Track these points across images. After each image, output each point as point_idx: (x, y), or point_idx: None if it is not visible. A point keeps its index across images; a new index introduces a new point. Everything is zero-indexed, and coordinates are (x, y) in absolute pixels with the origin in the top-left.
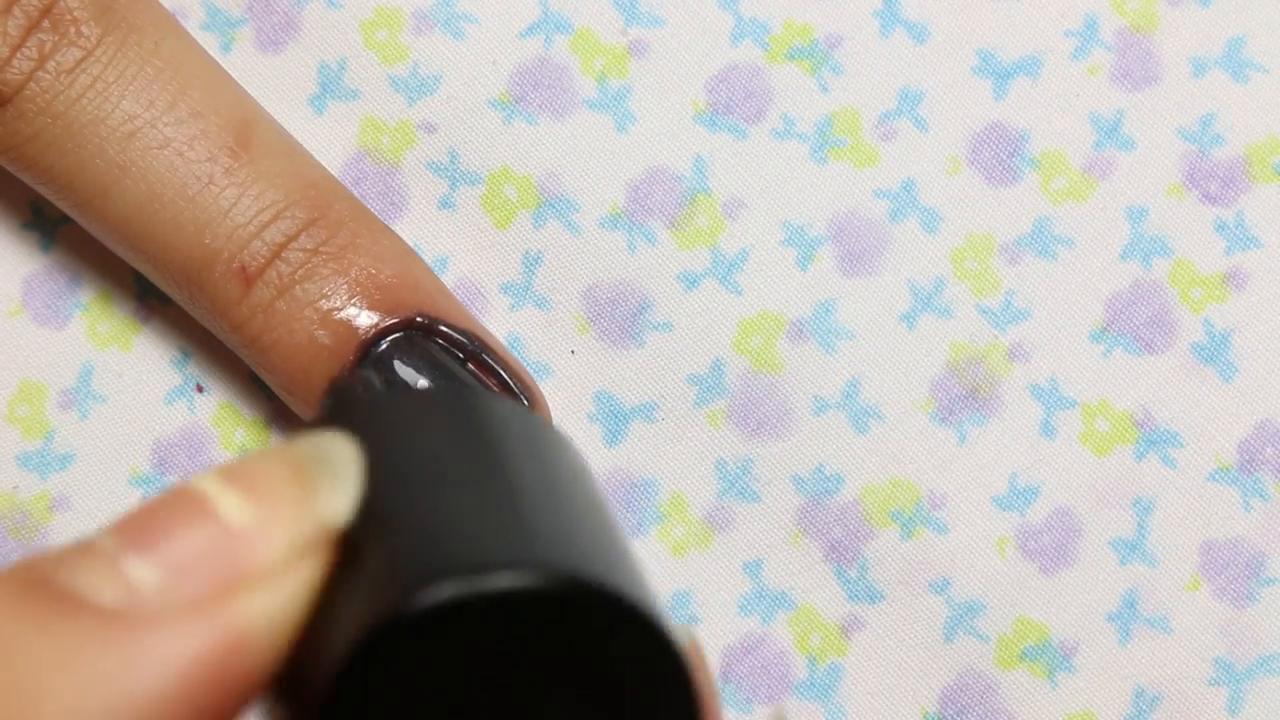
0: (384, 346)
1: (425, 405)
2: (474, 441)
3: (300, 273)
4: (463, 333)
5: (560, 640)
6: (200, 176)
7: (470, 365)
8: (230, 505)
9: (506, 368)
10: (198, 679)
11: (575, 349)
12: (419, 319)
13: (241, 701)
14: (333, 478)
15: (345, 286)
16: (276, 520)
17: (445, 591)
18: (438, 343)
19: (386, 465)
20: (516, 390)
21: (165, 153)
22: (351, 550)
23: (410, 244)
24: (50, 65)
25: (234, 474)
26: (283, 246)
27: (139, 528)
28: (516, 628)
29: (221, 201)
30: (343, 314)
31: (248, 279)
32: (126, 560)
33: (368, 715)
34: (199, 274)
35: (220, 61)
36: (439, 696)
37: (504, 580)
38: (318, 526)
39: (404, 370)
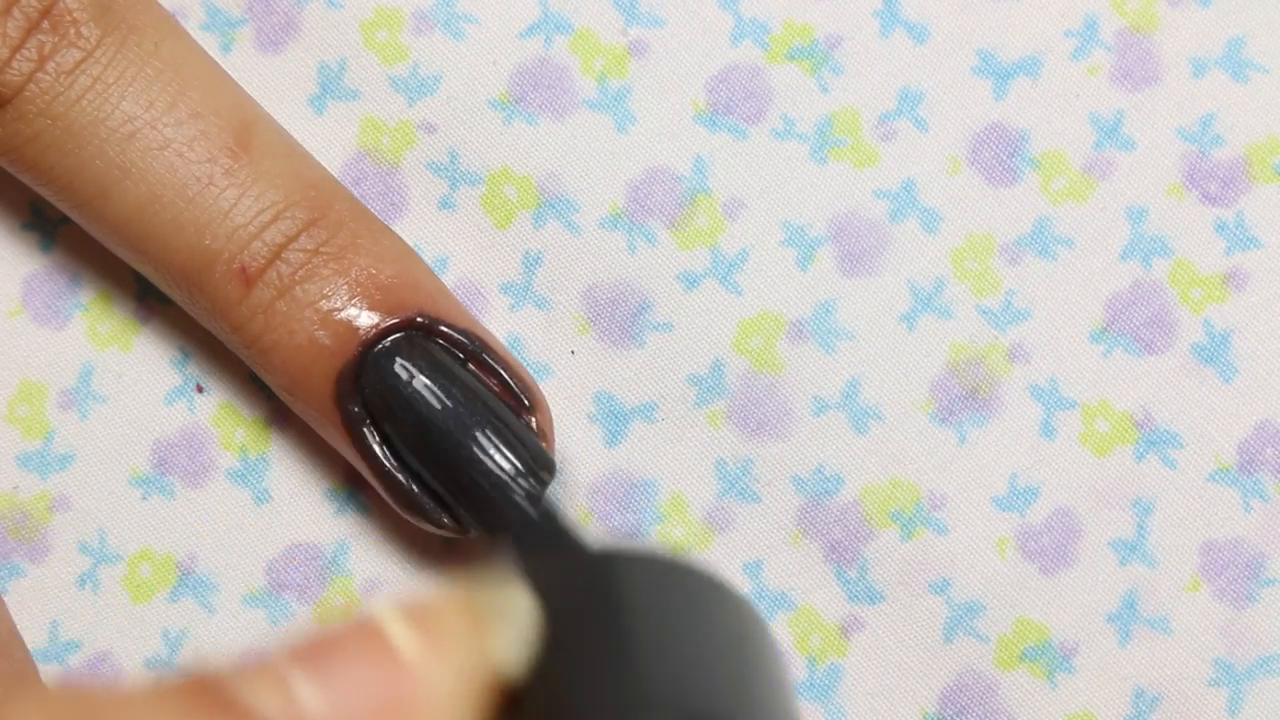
0: (384, 346)
1: (598, 564)
2: (648, 609)
3: (300, 273)
4: (463, 332)
5: None
6: (200, 177)
7: (471, 365)
8: (404, 637)
9: (507, 368)
10: None
11: (575, 349)
12: (419, 319)
13: None
14: (507, 630)
15: (345, 287)
16: (446, 660)
17: None
18: (438, 343)
19: (561, 624)
20: (517, 390)
21: (165, 154)
22: (516, 707)
23: (410, 244)
24: (50, 66)
25: (413, 608)
26: (283, 247)
27: (312, 649)
28: None
29: (222, 202)
30: (343, 314)
31: (248, 280)
32: (295, 679)
33: None
34: (199, 275)
35: (220, 62)
36: None
37: None
38: (488, 670)
39: (403, 370)
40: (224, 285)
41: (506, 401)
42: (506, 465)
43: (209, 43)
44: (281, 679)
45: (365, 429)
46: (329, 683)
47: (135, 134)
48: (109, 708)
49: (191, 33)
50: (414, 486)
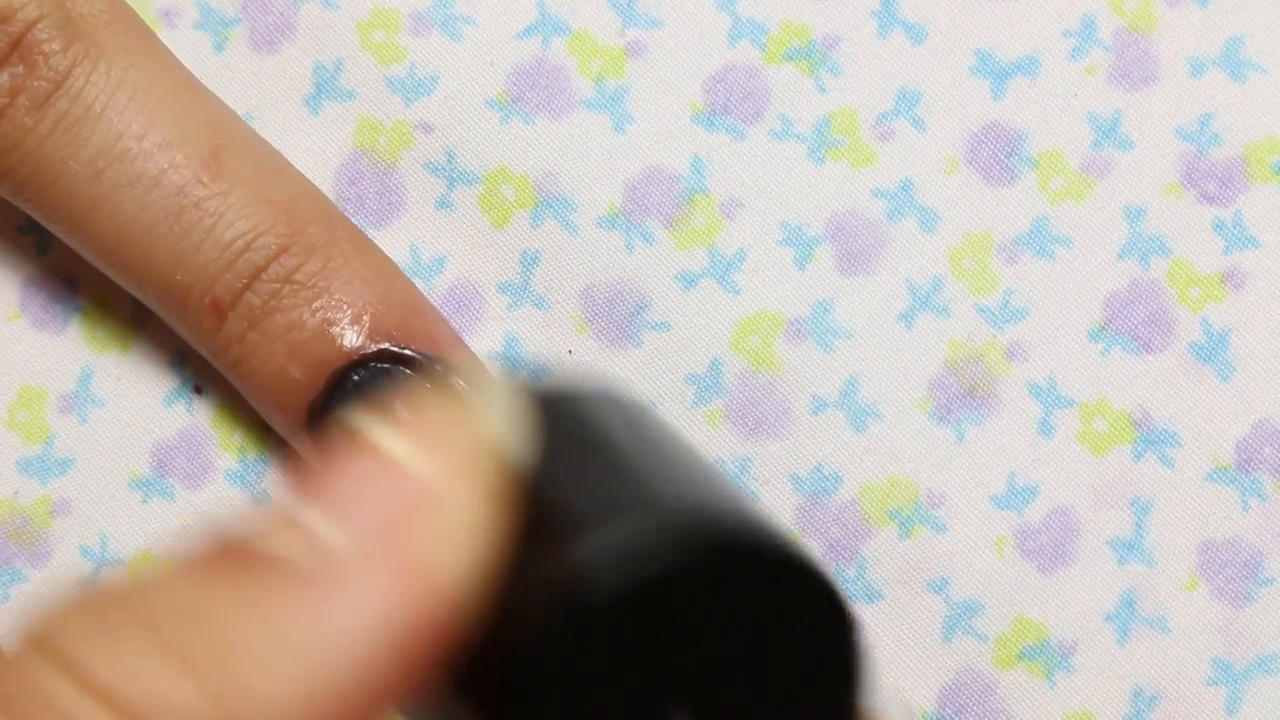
0: (353, 378)
1: (558, 395)
2: (621, 426)
3: (270, 305)
4: (432, 359)
5: (746, 607)
6: (170, 212)
7: None
8: (399, 446)
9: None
10: (398, 628)
11: (573, 349)
12: (390, 348)
13: (438, 651)
14: (497, 406)
15: (314, 318)
16: (447, 453)
17: (645, 569)
18: (408, 371)
19: (545, 430)
20: None
21: (134, 190)
22: (527, 504)
23: (407, 244)
24: (20, 101)
25: (399, 416)
26: (253, 278)
27: (316, 486)
28: (707, 597)
29: (193, 236)
30: (311, 346)
31: (220, 312)
32: (310, 518)
33: (555, 690)
34: (175, 307)
35: (213, 61)
36: (621, 669)
37: (703, 553)
38: (488, 450)
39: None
40: (198, 317)
41: None
42: None
43: (201, 42)
44: (297, 522)
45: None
46: (343, 512)
47: (103, 171)
48: (143, 599)
49: (184, 32)
50: None
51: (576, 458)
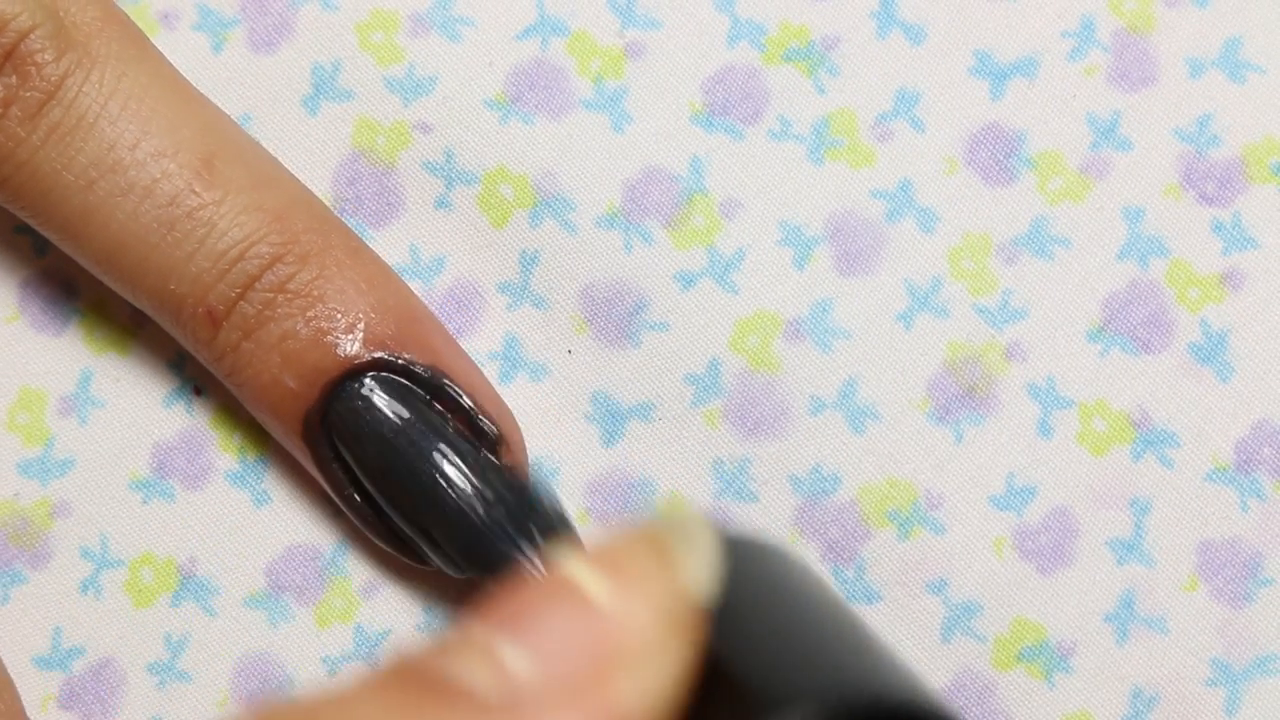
0: (348, 387)
1: (746, 543)
2: (807, 589)
3: (264, 314)
4: (427, 367)
5: None
6: (163, 222)
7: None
8: (598, 587)
9: (474, 400)
10: None
11: (572, 348)
12: (384, 357)
13: None
14: (692, 549)
15: (308, 327)
16: (643, 596)
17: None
18: (401, 380)
19: (736, 584)
20: (484, 424)
21: (127, 200)
22: (713, 648)
23: (407, 244)
24: (14, 112)
25: (598, 556)
26: (246, 288)
27: (513, 616)
28: None
29: (185, 246)
30: (306, 355)
31: (214, 321)
32: (503, 649)
33: None
34: (170, 316)
35: (211, 62)
36: None
37: (868, 709)
38: (684, 598)
39: (364, 411)
40: (193, 326)
41: (468, 438)
42: (455, 504)
43: (200, 43)
44: (486, 649)
45: (334, 465)
46: (533, 644)
47: (96, 181)
48: (326, 713)
49: (183, 34)
50: (383, 520)
51: (757, 617)
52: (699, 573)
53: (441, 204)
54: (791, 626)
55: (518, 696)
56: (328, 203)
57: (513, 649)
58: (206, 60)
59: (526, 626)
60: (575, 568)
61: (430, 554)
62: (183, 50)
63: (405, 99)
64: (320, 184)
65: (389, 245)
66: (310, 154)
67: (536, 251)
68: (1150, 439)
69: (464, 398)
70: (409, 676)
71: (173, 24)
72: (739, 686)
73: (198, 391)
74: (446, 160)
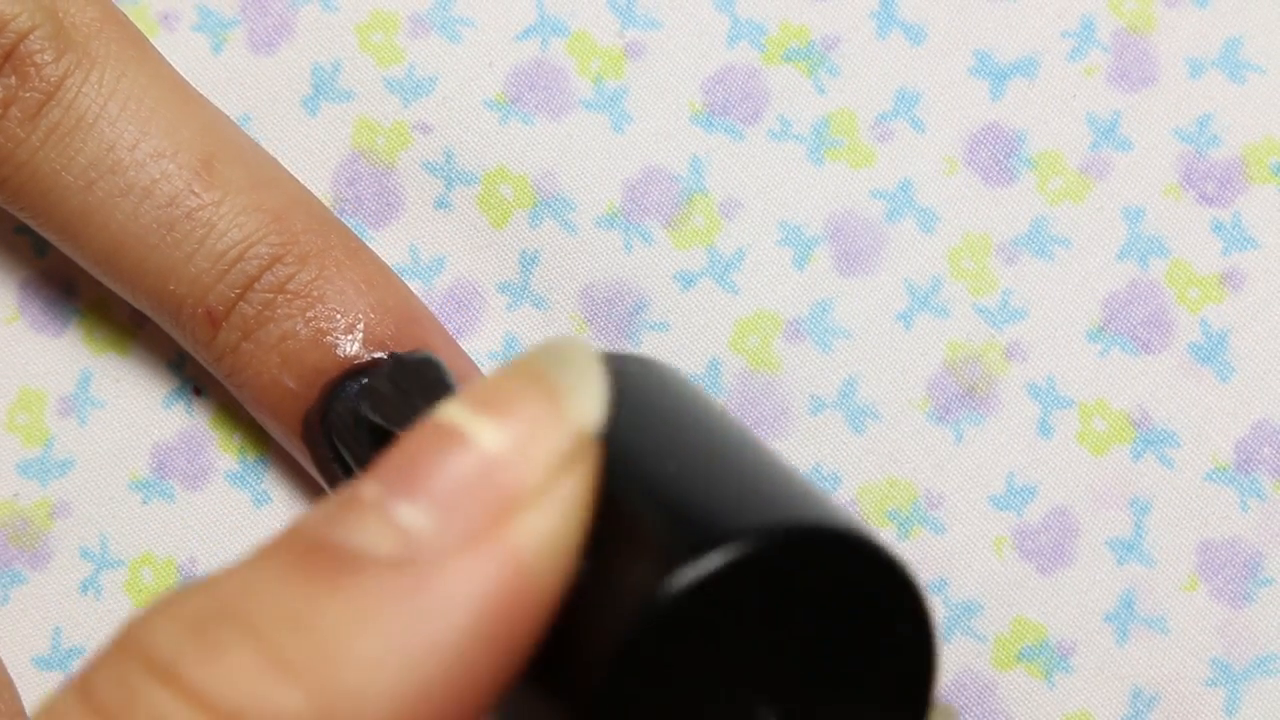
0: (348, 387)
1: (627, 366)
2: (689, 406)
3: (263, 315)
4: (427, 365)
5: (819, 590)
6: (162, 222)
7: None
8: (485, 431)
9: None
10: (489, 614)
11: None
12: (384, 356)
13: (530, 633)
14: (579, 381)
15: (307, 327)
16: (535, 435)
17: (726, 555)
18: (400, 380)
19: (617, 409)
20: None
21: (127, 200)
22: (608, 484)
23: (406, 244)
24: (13, 113)
25: (481, 399)
26: (246, 288)
27: (401, 472)
28: (782, 583)
29: (184, 247)
30: (305, 356)
31: (214, 322)
32: (397, 508)
33: (646, 681)
34: (169, 317)
35: (211, 63)
36: (705, 658)
37: (784, 537)
38: (577, 433)
39: (365, 410)
40: (192, 327)
41: None
42: None
43: (199, 44)
44: (380, 510)
45: (334, 465)
46: (428, 500)
47: (96, 181)
48: (227, 595)
49: (182, 35)
50: None
51: (653, 443)
52: (588, 403)
53: (441, 204)
54: (688, 450)
55: (417, 552)
56: (327, 203)
57: (408, 506)
58: (206, 61)
59: (416, 480)
60: (459, 413)
61: None
62: (182, 51)
63: (405, 99)
64: (320, 184)
65: (389, 245)
66: (310, 154)
67: (536, 251)
68: (1150, 439)
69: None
70: (307, 545)
71: (172, 25)
72: (643, 530)
73: (197, 392)
74: (446, 160)
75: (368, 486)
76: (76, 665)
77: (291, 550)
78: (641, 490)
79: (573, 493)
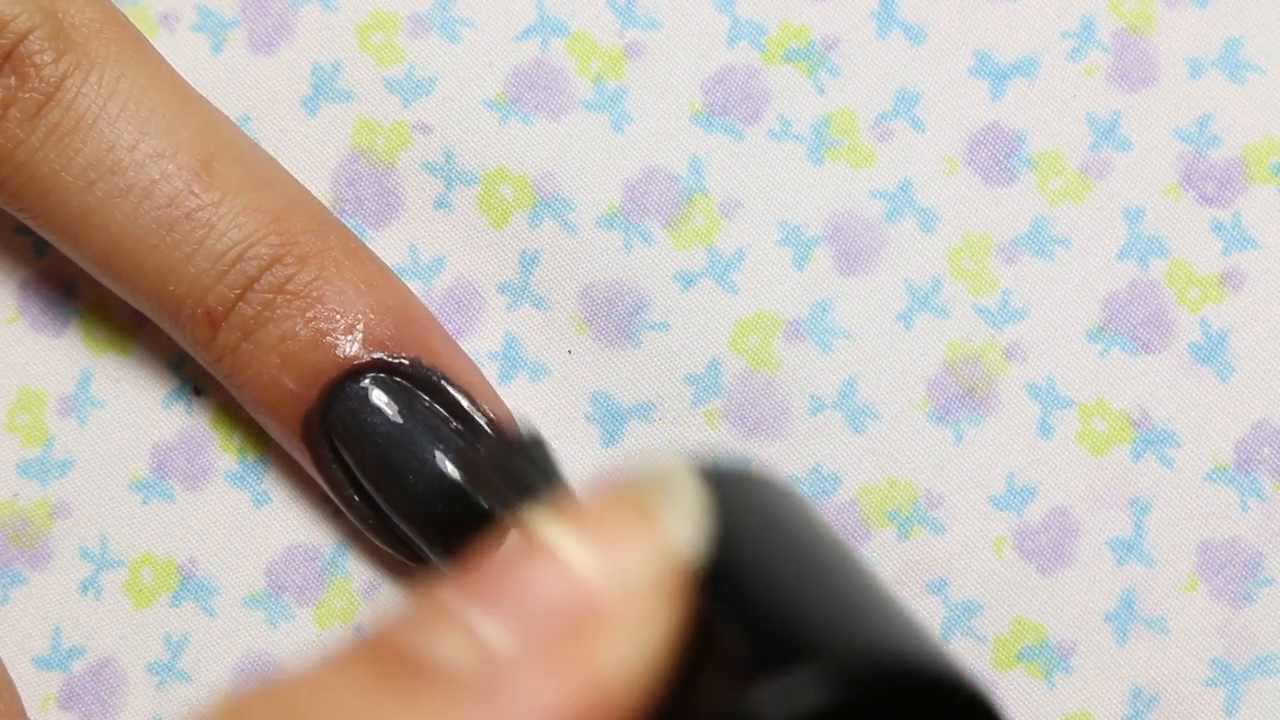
0: (348, 388)
1: (737, 481)
2: (797, 527)
3: (263, 315)
4: (427, 368)
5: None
6: (161, 223)
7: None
8: (576, 550)
9: (471, 401)
10: None
11: (572, 349)
12: (384, 358)
13: None
14: (677, 508)
15: (307, 328)
16: (624, 559)
17: (809, 690)
18: (400, 381)
19: (723, 526)
20: (483, 426)
21: (126, 201)
22: (702, 607)
23: (406, 244)
24: (12, 113)
25: (576, 516)
26: (246, 289)
27: (486, 583)
28: (863, 712)
29: (184, 247)
30: (305, 356)
31: (213, 322)
32: (478, 621)
33: None
34: (168, 317)
35: (211, 63)
36: None
37: (881, 677)
38: (668, 560)
39: (364, 411)
40: (191, 327)
41: (467, 438)
42: (445, 505)
43: (199, 44)
44: (460, 620)
45: (333, 466)
46: (510, 614)
47: (95, 182)
48: (301, 700)
49: (182, 35)
50: (383, 521)
51: (752, 568)
52: (684, 529)
53: (441, 204)
54: (789, 577)
55: (495, 669)
56: (327, 203)
57: (488, 619)
58: (206, 61)
59: (501, 594)
60: (551, 529)
61: (430, 554)
62: (182, 51)
63: (405, 100)
64: (320, 184)
65: (389, 246)
66: (310, 155)
67: (536, 252)
68: (1150, 439)
69: (463, 398)
70: (382, 654)
71: (172, 25)
72: (734, 647)
73: (197, 392)
74: (446, 161)
75: (451, 596)
76: (76, 665)
77: (368, 657)
78: (738, 615)
79: (658, 621)
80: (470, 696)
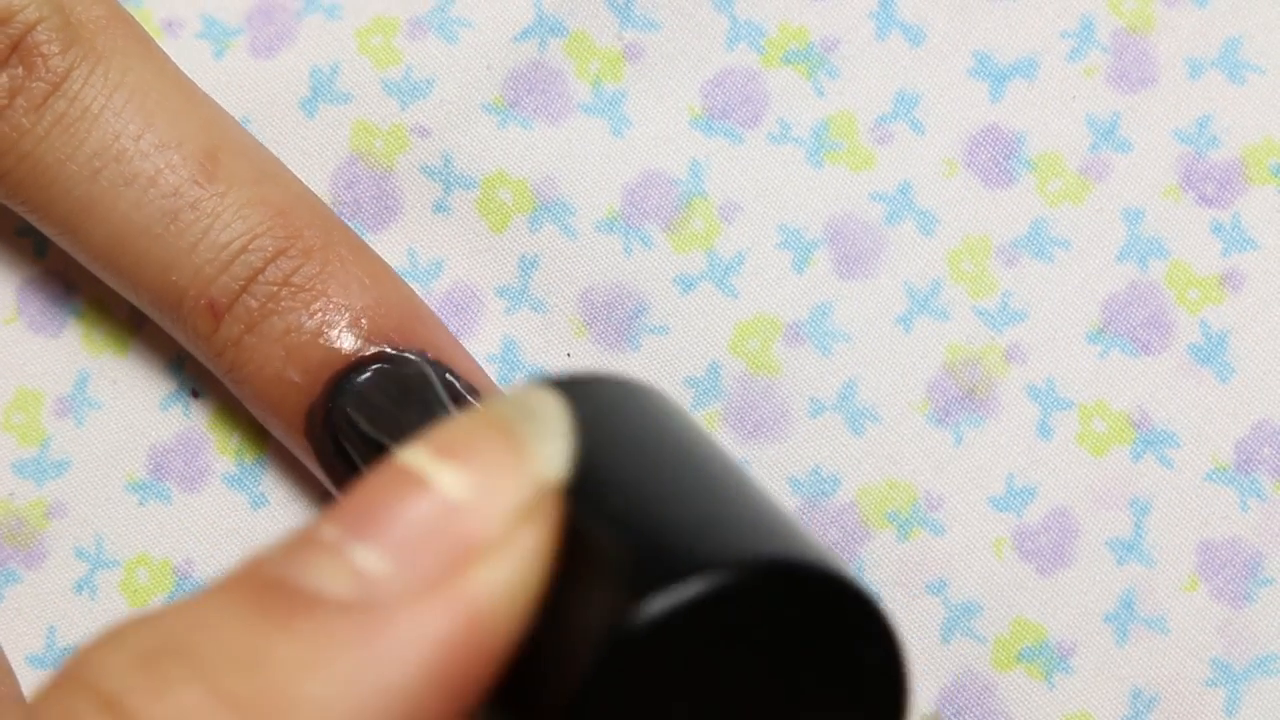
0: (352, 381)
1: (603, 390)
2: (664, 430)
3: (267, 307)
4: (431, 363)
5: (790, 623)
6: (166, 213)
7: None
8: (446, 478)
9: (477, 395)
10: (443, 661)
11: (571, 352)
12: (388, 350)
13: (485, 681)
14: (543, 432)
15: (312, 321)
16: (495, 485)
17: (692, 589)
18: (405, 373)
19: (589, 439)
20: None
21: (130, 190)
22: (574, 521)
23: (405, 248)
24: (19, 103)
25: (444, 445)
26: (250, 281)
27: (360, 514)
28: (752, 616)
29: (188, 238)
30: (310, 349)
31: (216, 314)
32: (353, 549)
33: (612, 711)
34: (170, 309)
35: (211, 66)
36: (673, 689)
37: (756, 571)
38: (538, 485)
39: (368, 405)
40: (194, 319)
41: None
42: None
43: (202, 50)
44: (338, 551)
45: (337, 461)
46: (386, 544)
47: (100, 171)
48: (179, 628)
49: (185, 41)
50: None
51: (623, 479)
52: (551, 454)
53: (440, 208)
54: (658, 482)
55: (372, 596)
56: None
57: (364, 548)
58: (206, 64)
59: (376, 523)
60: (421, 458)
61: None
62: (183, 55)
63: (403, 102)
64: (318, 187)
65: (387, 248)
66: (308, 157)
67: (536, 256)
68: (1150, 439)
69: (467, 393)
70: (262, 583)
71: (176, 32)
72: (610, 557)
73: (195, 394)
74: (444, 164)
75: (326, 526)
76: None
77: (246, 587)
78: (611, 524)
79: (532, 543)
80: (350, 624)
